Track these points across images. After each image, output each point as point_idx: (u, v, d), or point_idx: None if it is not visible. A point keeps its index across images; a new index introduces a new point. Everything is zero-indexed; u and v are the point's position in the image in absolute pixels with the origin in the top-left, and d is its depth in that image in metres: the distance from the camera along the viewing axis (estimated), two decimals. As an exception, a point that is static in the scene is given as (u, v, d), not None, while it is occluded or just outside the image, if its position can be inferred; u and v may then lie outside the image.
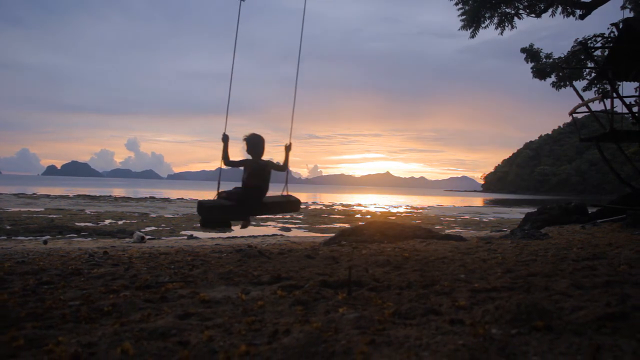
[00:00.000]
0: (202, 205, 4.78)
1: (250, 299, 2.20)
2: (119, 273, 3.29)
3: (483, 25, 12.48)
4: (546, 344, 1.26)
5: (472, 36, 12.67)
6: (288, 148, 5.27)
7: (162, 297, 2.23)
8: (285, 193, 5.40)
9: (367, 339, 1.36)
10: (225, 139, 4.84)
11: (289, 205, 5.43)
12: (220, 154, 4.87)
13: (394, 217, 23.70)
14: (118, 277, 3.07)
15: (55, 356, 1.26)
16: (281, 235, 13.69)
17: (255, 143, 5.04)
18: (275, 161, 5.28)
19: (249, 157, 5.04)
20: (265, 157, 5.15)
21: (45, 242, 10.39)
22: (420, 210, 30.73)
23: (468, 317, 1.58)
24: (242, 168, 5.05)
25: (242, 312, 1.89)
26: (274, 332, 1.49)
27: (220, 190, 5.03)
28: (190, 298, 2.23)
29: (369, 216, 25.29)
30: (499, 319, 1.48)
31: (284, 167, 5.25)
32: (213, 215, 4.88)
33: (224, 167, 4.94)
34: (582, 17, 11.93)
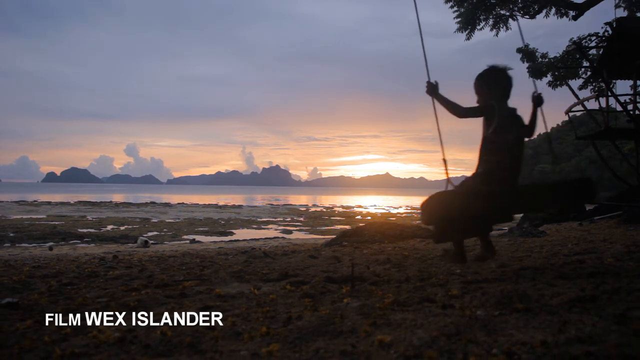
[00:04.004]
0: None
1: (262, 294, 2.41)
2: (135, 274, 3.49)
3: (478, 27, 12.70)
4: (523, 322, 1.47)
5: (468, 38, 12.89)
6: (539, 100, 3.21)
7: (182, 294, 2.44)
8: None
9: (370, 321, 1.58)
10: (435, 87, 3.11)
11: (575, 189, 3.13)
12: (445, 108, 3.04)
13: (394, 218, 23.89)
14: (135, 278, 3.26)
15: (103, 339, 1.45)
16: (282, 237, 13.90)
17: (496, 79, 3.12)
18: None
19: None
20: None
21: (50, 248, 10.56)
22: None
23: (458, 303, 1.78)
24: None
25: (257, 304, 2.09)
26: (287, 318, 1.70)
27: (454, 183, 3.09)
28: (207, 294, 2.44)
29: (369, 217, 25.46)
30: (484, 303, 1.69)
31: (530, 130, 3.20)
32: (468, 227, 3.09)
33: (459, 118, 3.05)
34: (575, 17, 12.15)
